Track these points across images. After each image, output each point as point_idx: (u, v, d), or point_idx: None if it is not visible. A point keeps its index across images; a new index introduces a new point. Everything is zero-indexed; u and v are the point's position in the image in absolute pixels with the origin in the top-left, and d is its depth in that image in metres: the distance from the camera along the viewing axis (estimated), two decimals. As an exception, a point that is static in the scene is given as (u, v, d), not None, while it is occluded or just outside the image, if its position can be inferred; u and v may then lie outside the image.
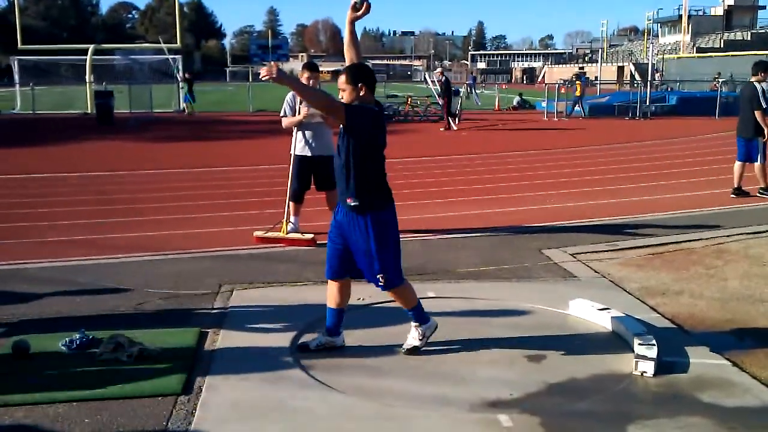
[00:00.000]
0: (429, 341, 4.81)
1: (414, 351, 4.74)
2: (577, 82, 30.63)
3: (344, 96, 4.50)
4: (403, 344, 4.80)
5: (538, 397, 4.12)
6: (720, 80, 34.07)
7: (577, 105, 30.22)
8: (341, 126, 4.47)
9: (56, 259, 7.21)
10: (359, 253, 4.58)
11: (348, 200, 4.50)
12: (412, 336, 4.79)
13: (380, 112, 4.59)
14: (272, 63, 4.47)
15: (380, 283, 4.63)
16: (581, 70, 36.59)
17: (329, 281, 4.74)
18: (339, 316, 4.77)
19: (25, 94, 32.89)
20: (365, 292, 5.75)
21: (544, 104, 31.99)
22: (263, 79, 4.30)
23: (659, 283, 6.36)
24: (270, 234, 7.83)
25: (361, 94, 4.47)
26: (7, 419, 3.82)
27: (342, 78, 4.52)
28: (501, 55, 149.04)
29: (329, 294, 4.75)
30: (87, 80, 32.46)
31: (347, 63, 4.74)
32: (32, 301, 5.79)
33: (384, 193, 4.60)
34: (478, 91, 44.83)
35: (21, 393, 4.07)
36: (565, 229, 8.57)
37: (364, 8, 4.71)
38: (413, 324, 4.81)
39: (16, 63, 35.46)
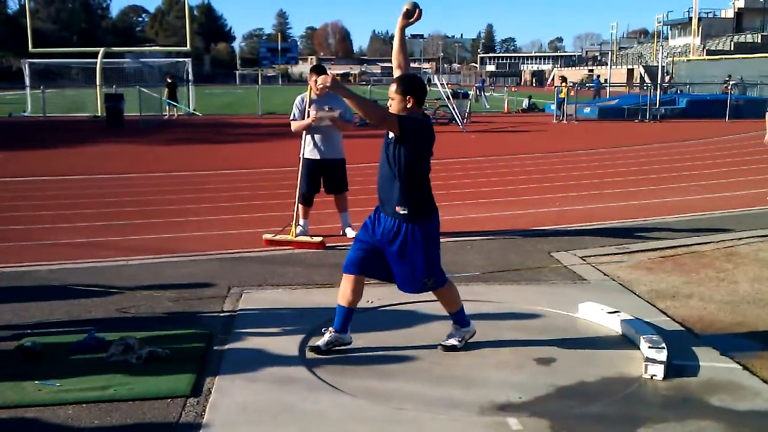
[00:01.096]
0: (437, 342, 4.88)
1: (452, 349, 4.83)
2: (563, 84, 30.43)
3: (392, 105, 4.62)
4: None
5: (548, 401, 4.11)
6: (731, 83, 33.94)
7: (559, 108, 30.02)
8: (393, 135, 4.55)
9: (66, 261, 7.24)
10: (399, 261, 4.63)
11: (397, 208, 4.57)
12: (452, 336, 4.88)
13: (429, 122, 4.70)
14: (329, 73, 4.64)
15: (428, 287, 4.71)
16: (591, 73, 36.57)
17: (345, 277, 4.74)
18: (349, 316, 4.78)
19: (35, 96, 33.08)
20: (374, 295, 5.76)
21: (553, 107, 31.96)
22: (319, 86, 4.54)
23: (669, 286, 6.34)
24: (279, 237, 7.84)
25: (408, 106, 4.57)
26: (18, 420, 3.84)
27: (393, 87, 4.62)
28: (510, 57, 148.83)
29: (342, 292, 4.75)
30: (97, 83, 32.61)
31: (395, 67, 4.89)
32: (42, 303, 5.82)
33: (431, 201, 4.69)
34: (487, 94, 44.81)
35: (31, 394, 4.09)
36: (575, 232, 8.56)
37: (416, 14, 4.78)
38: (454, 326, 4.91)
39: (27, 66, 35.66)
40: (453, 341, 4.86)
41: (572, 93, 31.83)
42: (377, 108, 4.59)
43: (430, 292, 4.83)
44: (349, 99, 4.53)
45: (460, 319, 4.90)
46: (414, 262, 4.61)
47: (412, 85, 4.61)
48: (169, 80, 31.57)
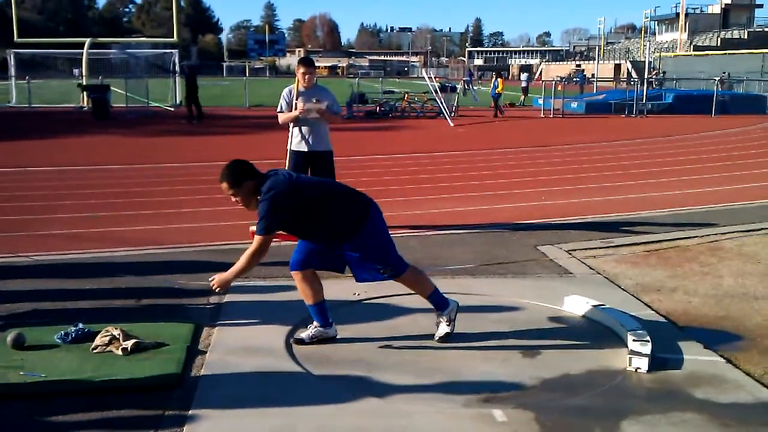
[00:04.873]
0: (423, 334, 4.90)
1: (447, 337, 4.82)
2: (499, 79, 29.90)
3: (241, 201, 4.55)
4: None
5: (533, 393, 4.13)
6: (716, 79, 34.05)
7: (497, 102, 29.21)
8: None
9: (52, 252, 7.21)
10: (351, 260, 4.67)
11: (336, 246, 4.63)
12: (440, 325, 4.87)
13: (279, 190, 4.44)
14: (215, 278, 4.60)
15: (386, 275, 4.69)
16: (578, 68, 36.50)
17: (294, 275, 4.75)
18: (322, 310, 4.80)
19: (21, 87, 32.81)
20: (359, 288, 5.77)
21: (540, 101, 32.01)
22: (215, 291, 4.66)
23: (654, 280, 6.38)
24: (266, 229, 7.80)
25: (251, 189, 4.50)
26: (3, 411, 3.82)
27: (224, 186, 4.51)
28: (498, 51, 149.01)
29: (302, 292, 4.77)
30: (83, 74, 32.33)
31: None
32: (28, 294, 5.79)
33: (355, 213, 4.61)
34: (475, 88, 44.83)
35: (16, 386, 4.07)
36: (561, 226, 8.59)
37: None
38: (436, 313, 4.88)
39: (12, 56, 35.33)
40: (443, 329, 4.85)
41: (560, 88, 31.85)
42: (251, 259, 4.50)
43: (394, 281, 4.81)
44: (235, 275, 4.54)
45: (438, 300, 4.86)
46: (366, 258, 4.62)
47: (237, 170, 4.49)
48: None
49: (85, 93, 28.92)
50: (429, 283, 4.88)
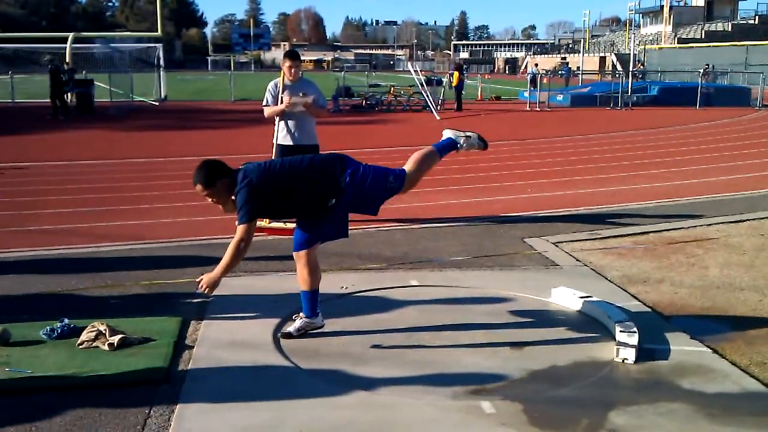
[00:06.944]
0: (411, 327, 4.88)
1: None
2: (455, 72, 29.26)
3: (217, 200, 4.53)
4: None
5: (520, 384, 4.14)
6: (700, 71, 34.21)
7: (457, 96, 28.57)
8: None
9: (37, 248, 7.16)
10: (359, 203, 4.68)
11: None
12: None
13: (252, 181, 4.42)
14: (203, 279, 4.54)
15: (395, 188, 4.75)
16: (564, 61, 36.51)
17: (300, 257, 4.68)
18: (315, 297, 4.78)
19: (3, 82, 32.55)
20: (347, 281, 5.76)
21: (526, 94, 32.07)
22: (205, 292, 4.56)
23: (640, 272, 6.40)
24: (252, 223, 7.78)
25: (226, 187, 4.48)
26: (-12, 408, 3.80)
27: (198, 188, 4.49)
28: (483, 45, 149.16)
29: (301, 276, 4.73)
30: (65, 68, 32.08)
31: None
32: (12, 291, 5.75)
33: (336, 171, 4.57)
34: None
35: (2, 382, 4.04)
36: (548, 218, 8.61)
37: None
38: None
39: (-6, 51, 35.09)
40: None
41: (545, 81, 31.91)
42: (237, 247, 4.43)
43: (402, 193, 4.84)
44: (224, 271, 4.48)
45: (446, 146, 5.16)
46: (367, 193, 4.61)
47: (210, 171, 4.48)
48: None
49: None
50: (432, 152, 5.00)
